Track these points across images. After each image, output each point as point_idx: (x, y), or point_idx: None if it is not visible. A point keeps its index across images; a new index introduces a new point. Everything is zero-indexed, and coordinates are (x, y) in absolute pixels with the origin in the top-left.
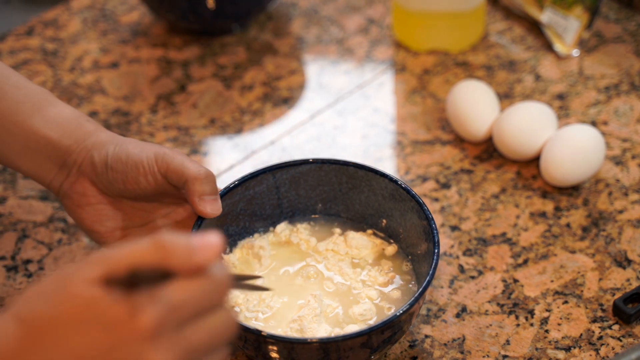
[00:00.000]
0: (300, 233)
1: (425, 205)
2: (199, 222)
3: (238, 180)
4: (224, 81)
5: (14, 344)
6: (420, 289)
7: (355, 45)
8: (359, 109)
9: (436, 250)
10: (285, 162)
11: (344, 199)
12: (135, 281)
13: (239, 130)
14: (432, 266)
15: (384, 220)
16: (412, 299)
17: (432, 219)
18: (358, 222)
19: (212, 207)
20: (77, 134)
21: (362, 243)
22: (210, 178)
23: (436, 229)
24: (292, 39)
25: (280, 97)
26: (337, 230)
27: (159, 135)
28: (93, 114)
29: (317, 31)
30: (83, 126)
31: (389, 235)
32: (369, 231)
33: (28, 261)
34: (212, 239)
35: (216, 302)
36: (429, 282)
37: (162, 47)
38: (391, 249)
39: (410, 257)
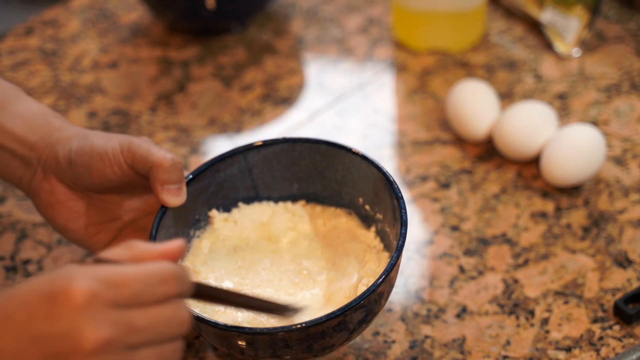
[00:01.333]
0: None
1: (396, 184)
2: (163, 211)
3: (206, 163)
4: (223, 81)
5: None
6: (377, 281)
7: (355, 45)
8: (359, 109)
9: (403, 231)
10: (256, 143)
11: (320, 178)
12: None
13: (238, 130)
14: (397, 250)
15: (361, 199)
16: (358, 296)
17: (402, 197)
18: (336, 201)
19: (175, 197)
20: (43, 130)
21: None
22: (176, 166)
23: (404, 208)
24: (292, 39)
25: (280, 97)
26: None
27: (158, 135)
28: (92, 114)
29: (317, 31)
30: (49, 122)
31: (366, 215)
32: (352, 215)
33: (27, 261)
34: (173, 244)
35: (164, 294)
36: (389, 271)
37: (162, 47)
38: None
39: (384, 238)
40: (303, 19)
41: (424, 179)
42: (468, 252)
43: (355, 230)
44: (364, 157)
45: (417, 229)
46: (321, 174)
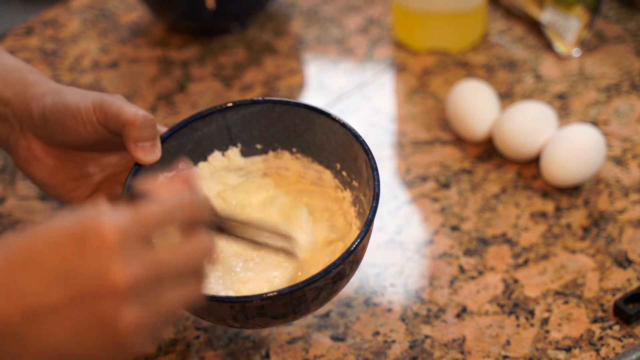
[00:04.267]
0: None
1: (372, 154)
2: (136, 168)
3: (184, 121)
4: (223, 81)
5: None
6: (340, 258)
7: (355, 45)
8: (359, 109)
9: (374, 204)
10: (235, 102)
11: (298, 141)
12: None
13: None
14: (366, 224)
15: (338, 165)
16: (322, 270)
17: (376, 169)
18: (315, 162)
19: (149, 154)
20: (18, 85)
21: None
22: (148, 123)
23: (378, 180)
24: (292, 39)
25: (280, 97)
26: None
27: None
28: None
29: (317, 31)
30: (25, 78)
31: (343, 181)
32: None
33: None
34: (182, 172)
35: (189, 222)
36: (355, 246)
37: (162, 47)
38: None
39: (358, 206)
40: (303, 19)
41: (424, 179)
42: (468, 252)
43: (332, 191)
44: (342, 125)
45: (417, 229)
46: (300, 137)
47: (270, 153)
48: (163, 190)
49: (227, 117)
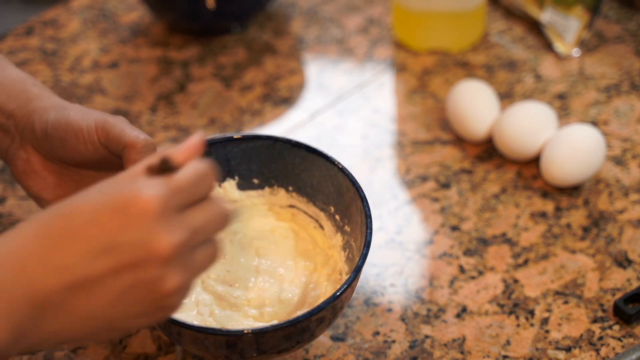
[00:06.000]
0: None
1: (367, 201)
2: None
3: None
4: (223, 81)
5: (32, 236)
6: (331, 297)
7: (355, 45)
8: (359, 109)
9: (365, 251)
10: (237, 136)
11: (296, 179)
12: (167, 170)
13: (239, 130)
14: (355, 271)
15: (332, 208)
16: (314, 307)
17: (370, 217)
18: (310, 203)
19: None
20: (20, 98)
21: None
22: (149, 147)
23: (371, 228)
24: (292, 39)
25: (280, 97)
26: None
27: (158, 135)
28: None
29: (317, 31)
30: (28, 90)
31: (335, 224)
32: (323, 216)
33: None
34: (194, 139)
35: (207, 189)
36: (342, 291)
37: (162, 47)
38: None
39: (348, 251)
40: (303, 19)
41: (424, 179)
42: (468, 252)
43: (320, 237)
44: (341, 169)
45: (417, 229)
46: (298, 176)
47: (267, 189)
48: (185, 160)
49: (227, 148)
